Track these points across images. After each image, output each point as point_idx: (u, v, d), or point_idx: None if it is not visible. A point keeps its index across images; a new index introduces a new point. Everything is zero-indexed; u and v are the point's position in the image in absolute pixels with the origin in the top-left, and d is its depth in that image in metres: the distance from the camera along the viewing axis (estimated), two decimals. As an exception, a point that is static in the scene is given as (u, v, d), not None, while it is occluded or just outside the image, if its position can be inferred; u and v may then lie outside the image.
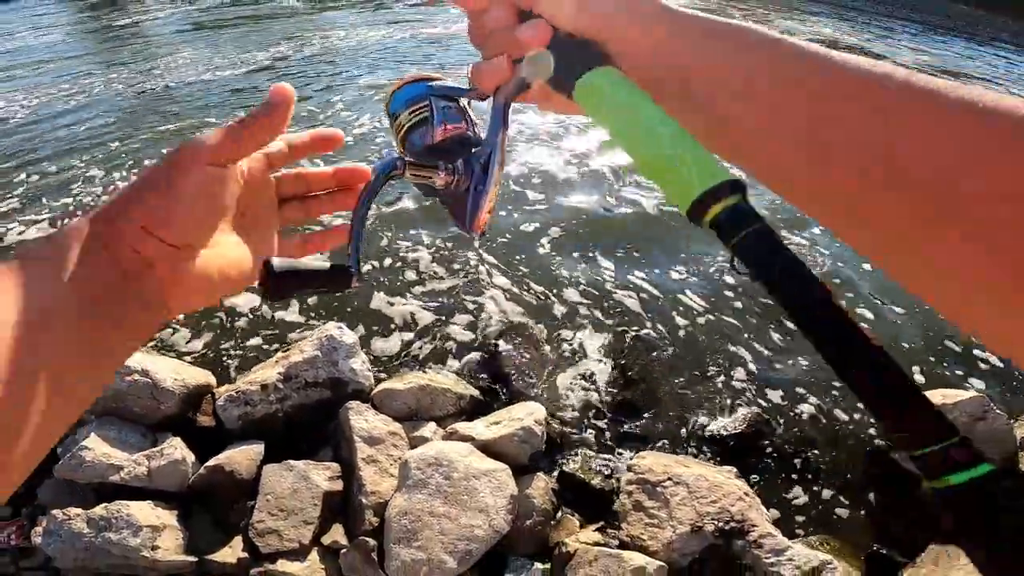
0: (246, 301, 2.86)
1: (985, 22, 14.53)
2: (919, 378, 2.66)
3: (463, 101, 0.60)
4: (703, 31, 0.45)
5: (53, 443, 0.38)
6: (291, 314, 2.83)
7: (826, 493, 2.21)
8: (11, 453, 0.35)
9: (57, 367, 0.37)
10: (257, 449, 2.08)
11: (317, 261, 0.46)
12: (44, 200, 3.93)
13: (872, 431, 2.43)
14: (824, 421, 2.48)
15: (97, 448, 1.96)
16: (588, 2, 0.48)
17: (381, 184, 0.50)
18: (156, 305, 0.44)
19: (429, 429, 2.25)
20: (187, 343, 2.64)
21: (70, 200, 3.90)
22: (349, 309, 2.85)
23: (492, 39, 0.52)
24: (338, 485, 2.05)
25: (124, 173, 4.24)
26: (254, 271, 0.49)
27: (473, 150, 0.55)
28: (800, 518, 2.14)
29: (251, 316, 2.80)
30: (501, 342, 2.70)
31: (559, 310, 2.94)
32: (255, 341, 2.68)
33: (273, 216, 0.55)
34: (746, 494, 1.99)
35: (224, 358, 2.60)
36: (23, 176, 4.28)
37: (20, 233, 3.52)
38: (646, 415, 2.44)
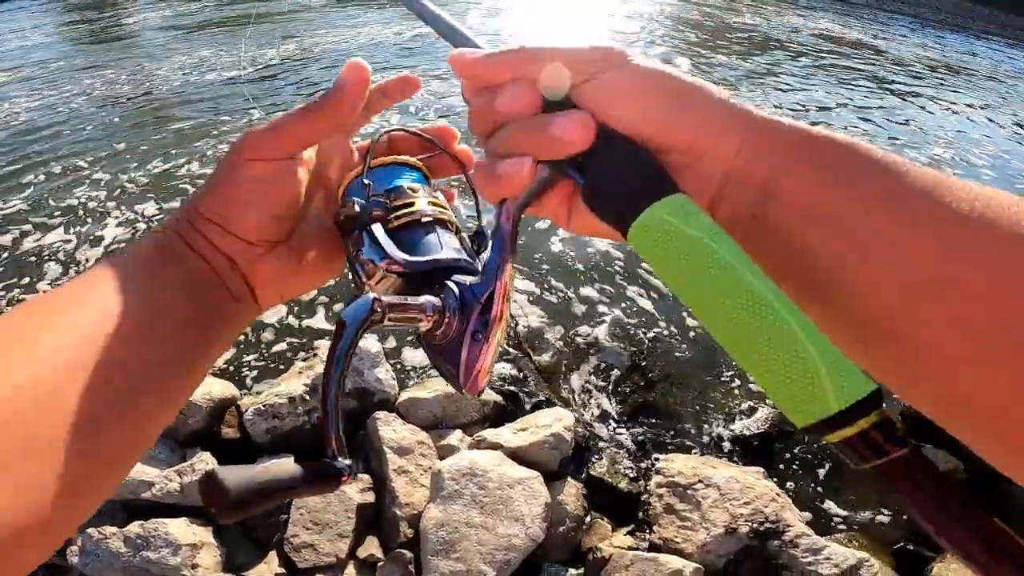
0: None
1: (973, 15, 14.56)
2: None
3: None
4: (794, 145, 0.34)
5: (148, 447, 0.39)
6: (312, 321, 2.80)
7: (851, 491, 2.22)
8: (133, 450, 0.37)
9: (167, 362, 0.39)
10: (288, 462, 2.04)
11: (286, 464, 0.34)
12: (51, 201, 3.86)
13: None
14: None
15: (129, 466, 1.92)
16: (658, 95, 0.36)
17: (357, 340, 0.36)
18: (245, 299, 0.44)
19: (456, 437, 2.23)
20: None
21: (76, 202, 3.83)
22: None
23: (511, 133, 0.38)
24: (370, 497, 2.02)
25: (131, 174, 4.17)
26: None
27: (468, 281, 0.41)
28: (827, 516, 2.15)
29: (267, 324, 2.76)
30: (521, 347, 2.68)
31: (578, 313, 2.92)
32: (274, 350, 2.65)
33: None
34: (778, 495, 1.98)
35: (243, 369, 2.56)
36: (30, 177, 4.20)
37: (34, 237, 3.44)
38: (668, 417, 2.43)
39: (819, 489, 2.21)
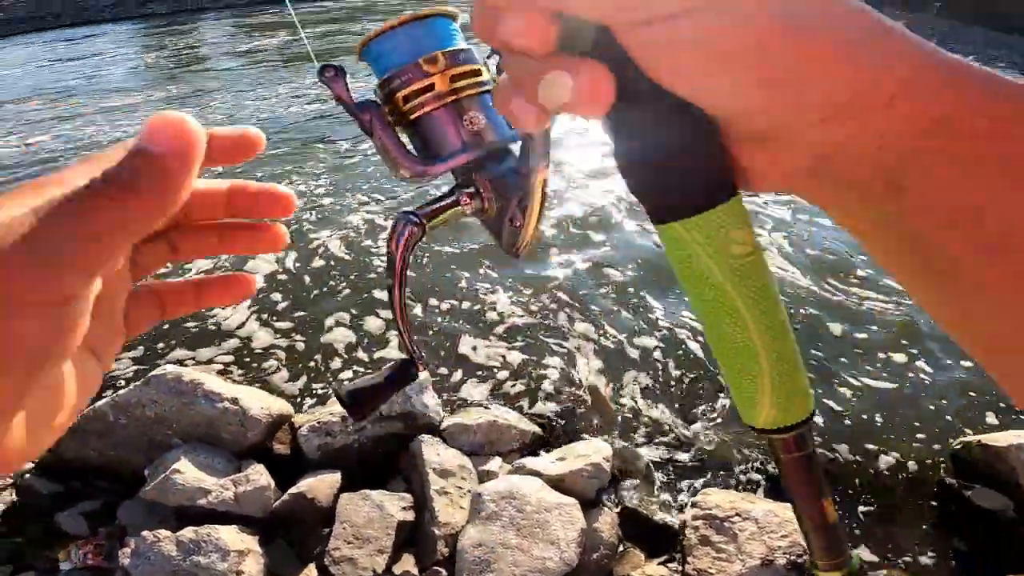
0: (319, 333, 2.78)
1: (1008, 46, 13.55)
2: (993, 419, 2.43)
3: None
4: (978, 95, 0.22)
5: None
6: (384, 352, 2.74)
7: (892, 531, 2.00)
8: None
9: None
10: (335, 478, 1.97)
11: (382, 370, 0.39)
12: None
13: (940, 463, 2.24)
14: (888, 455, 2.28)
15: (189, 472, 1.86)
16: (762, 64, 0.23)
17: (407, 259, 0.37)
18: None
19: (495, 463, 2.12)
20: (267, 373, 2.56)
21: None
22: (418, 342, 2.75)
23: (517, 73, 0.26)
24: (410, 515, 1.91)
25: None
26: (88, 396, 0.28)
27: (504, 170, 0.39)
28: (867, 552, 1.93)
29: (334, 351, 2.72)
30: (561, 379, 2.57)
31: (614, 349, 2.80)
32: (340, 376, 2.59)
33: (121, 278, 0.30)
34: (818, 531, 1.80)
35: (301, 388, 2.51)
36: None
37: None
38: (706, 452, 2.27)
39: (857, 525, 2.00)
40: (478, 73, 0.39)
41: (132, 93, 7.55)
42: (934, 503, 2.11)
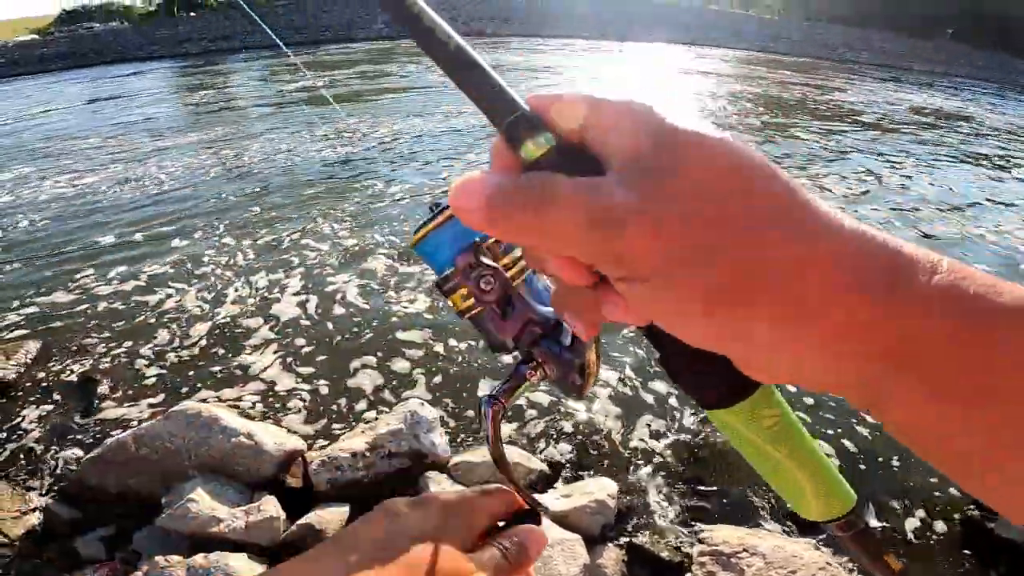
0: (334, 373, 2.90)
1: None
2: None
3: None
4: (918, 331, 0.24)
5: None
6: (412, 392, 2.84)
7: (914, 560, 1.98)
8: None
9: None
10: (343, 510, 2.04)
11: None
12: (192, 268, 3.98)
13: (962, 495, 2.22)
14: (910, 487, 2.27)
15: (202, 501, 1.96)
16: (724, 321, 0.26)
17: (499, 432, 0.43)
18: None
19: (503, 501, 2.18)
20: (287, 413, 2.66)
21: (208, 270, 3.97)
22: (434, 382, 2.85)
23: (568, 295, 0.32)
24: (416, 549, 1.98)
25: (264, 241, 4.34)
26: None
27: (559, 348, 0.43)
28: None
29: (342, 391, 2.83)
30: (574, 420, 2.63)
31: (630, 393, 2.85)
32: (348, 413, 2.69)
33: None
34: (828, 563, 1.81)
35: (317, 427, 2.61)
36: (176, 241, 4.39)
37: (174, 298, 3.43)
38: (716, 488, 2.28)
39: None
40: (520, 256, 0.43)
41: (187, 133, 7.99)
42: (957, 535, 2.09)
